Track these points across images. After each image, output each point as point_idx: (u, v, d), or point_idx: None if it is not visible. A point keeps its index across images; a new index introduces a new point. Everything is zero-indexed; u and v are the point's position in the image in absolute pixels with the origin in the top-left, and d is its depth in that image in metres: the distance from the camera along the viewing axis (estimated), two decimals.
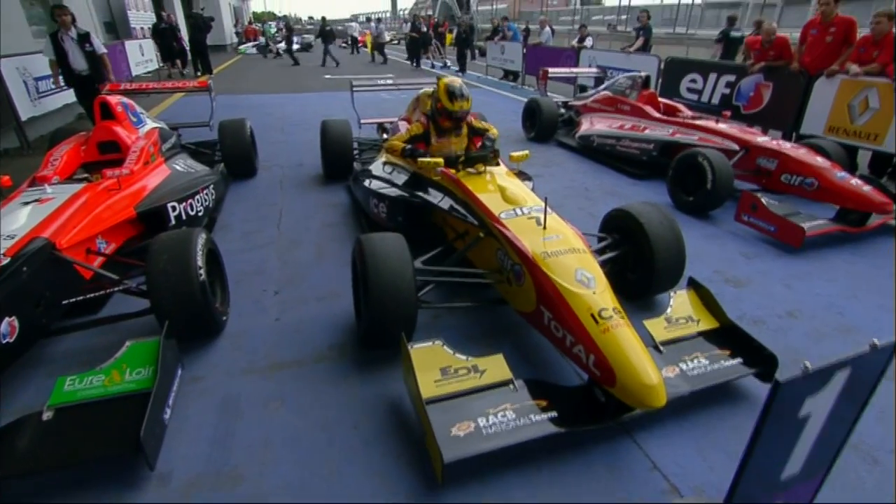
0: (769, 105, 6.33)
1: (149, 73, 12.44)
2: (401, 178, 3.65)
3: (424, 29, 17.53)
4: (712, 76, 7.06)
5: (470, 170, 3.08)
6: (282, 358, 2.47)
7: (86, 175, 3.14)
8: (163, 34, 12.99)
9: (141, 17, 13.99)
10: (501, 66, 13.56)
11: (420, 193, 3.27)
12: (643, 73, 5.95)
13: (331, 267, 3.34)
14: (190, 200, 3.45)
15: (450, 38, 22.18)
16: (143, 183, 3.26)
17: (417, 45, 17.29)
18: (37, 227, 2.45)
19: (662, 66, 7.94)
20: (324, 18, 20.46)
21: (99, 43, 6.27)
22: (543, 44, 11.57)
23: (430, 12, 37.62)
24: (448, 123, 3.37)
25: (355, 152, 5.03)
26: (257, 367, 2.40)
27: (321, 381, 2.31)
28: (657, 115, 5.55)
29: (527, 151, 3.28)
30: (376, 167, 4.06)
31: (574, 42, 10.46)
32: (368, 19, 25.86)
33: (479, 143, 3.57)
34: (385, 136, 5.41)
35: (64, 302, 2.38)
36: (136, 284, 2.45)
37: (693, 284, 2.57)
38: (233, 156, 4.85)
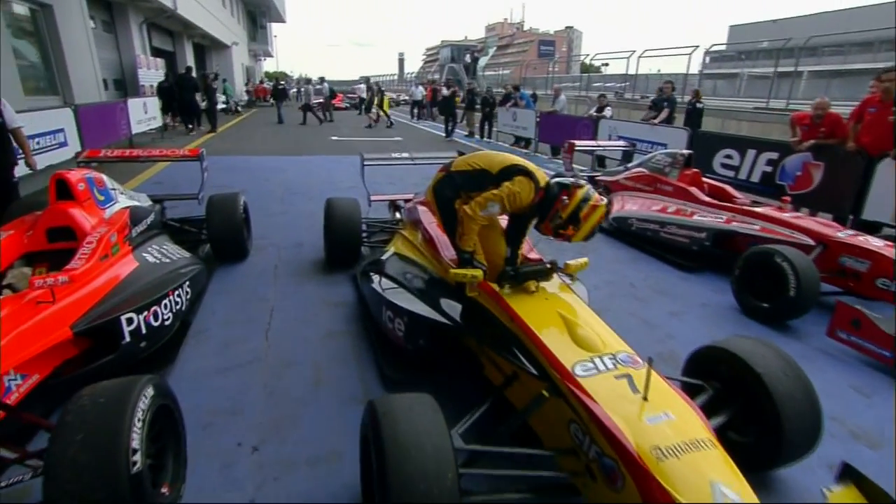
0: (820, 186, 5.74)
1: (152, 130, 12.12)
2: (418, 281, 2.93)
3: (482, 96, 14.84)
4: (751, 152, 6.53)
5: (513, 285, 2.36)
6: None
7: (10, 282, 2.41)
8: (167, 92, 12.89)
9: (151, 75, 13.90)
10: (513, 132, 13.31)
11: (448, 310, 2.53)
12: (685, 151, 5.39)
13: (332, 405, 2.54)
14: (155, 307, 2.70)
15: (457, 100, 22.53)
16: (91, 287, 2.53)
17: (451, 110, 15.20)
18: None
19: (692, 139, 7.47)
20: (277, 79, 20.60)
21: (11, 113, 4.27)
22: (558, 112, 11.28)
23: (436, 76, 38.81)
24: (549, 233, 2.47)
25: (363, 234, 4.35)
26: None
27: None
28: (705, 198, 4.93)
29: (585, 259, 2.57)
30: (390, 262, 3.36)
31: (592, 111, 10.13)
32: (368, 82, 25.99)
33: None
34: (398, 215, 4.76)
35: None
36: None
37: (852, 475, 1.77)
38: (221, 237, 4.16)
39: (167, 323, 2.77)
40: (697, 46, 17.05)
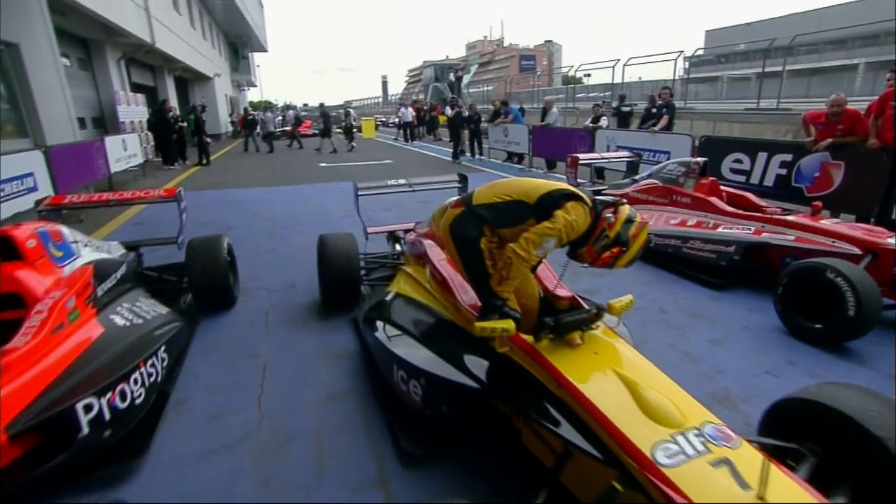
0: (842, 187, 5.42)
1: (134, 167, 11.70)
2: (432, 329, 2.52)
3: (467, 113, 14.07)
4: (762, 155, 6.23)
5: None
6: None
7: None
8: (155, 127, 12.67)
9: (132, 111, 13.52)
10: (505, 148, 13.03)
11: (474, 369, 2.11)
12: (699, 159, 5.05)
13: (341, 492, 2.09)
14: (123, 385, 2.25)
15: (443, 119, 22.39)
16: (38, 370, 2.08)
17: (458, 130, 13.92)
18: None
19: (697, 144, 7.17)
20: (245, 109, 20.40)
21: None
22: (551, 125, 11.01)
23: (420, 96, 38.85)
24: (589, 259, 2.11)
25: (362, 272, 3.93)
26: None
27: None
28: (728, 208, 4.57)
29: (630, 296, 2.18)
30: (396, 306, 2.94)
31: (588, 122, 9.86)
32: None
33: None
34: (398, 247, 4.36)
35: None
36: None
37: None
38: (204, 286, 3.72)
39: (138, 401, 2.32)
40: (682, 52, 17.03)
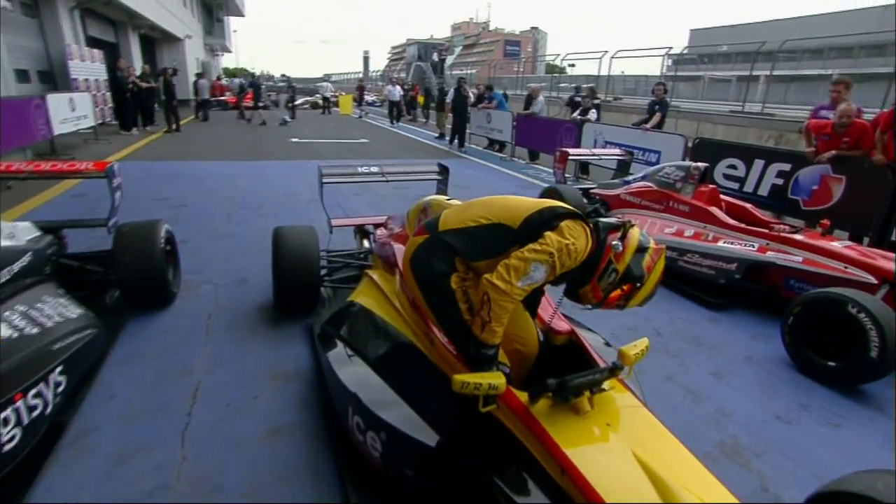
0: (841, 202, 5.14)
1: (85, 130, 10.70)
2: (397, 363, 2.06)
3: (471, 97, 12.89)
4: (758, 163, 5.91)
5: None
6: None
7: None
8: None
9: (85, 67, 12.40)
10: (487, 134, 12.51)
11: (450, 425, 1.66)
12: (700, 164, 4.68)
13: None
14: None
15: (421, 99, 21.64)
16: None
17: (464, 115, 12.60)
18: None
19: (691, 145, 6.83)
20: (198, 74, 18.27)
21: None
22: (537, 114, 10.54)
23: (402, 75, 37.72)
24: (594, 299, 1.66)
25: (323, 271, 3.42)
26: None
27: None
28: (730, 220, 4.22)
29: (646, 339, 1.76)
30: (357, 323, 2.47)
31: (576, 114, 9.42)
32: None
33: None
34: (367, 244, 3.85)
35: None
36: None
37: None
38: (134, 280, 3.15)
39: (8, 447, 1.79)
40: (671, 48, 16.78)
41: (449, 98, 14.11)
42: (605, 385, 1.67)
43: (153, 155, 9.70)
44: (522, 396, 1.55)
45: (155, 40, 21.49)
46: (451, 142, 13.32)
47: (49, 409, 2.04)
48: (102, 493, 1.91)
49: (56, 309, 2.54)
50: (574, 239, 1.54)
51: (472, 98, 12.79)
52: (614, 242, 1.58)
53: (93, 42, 14.17)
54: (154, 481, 1.98)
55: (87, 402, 2.39)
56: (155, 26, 18.26)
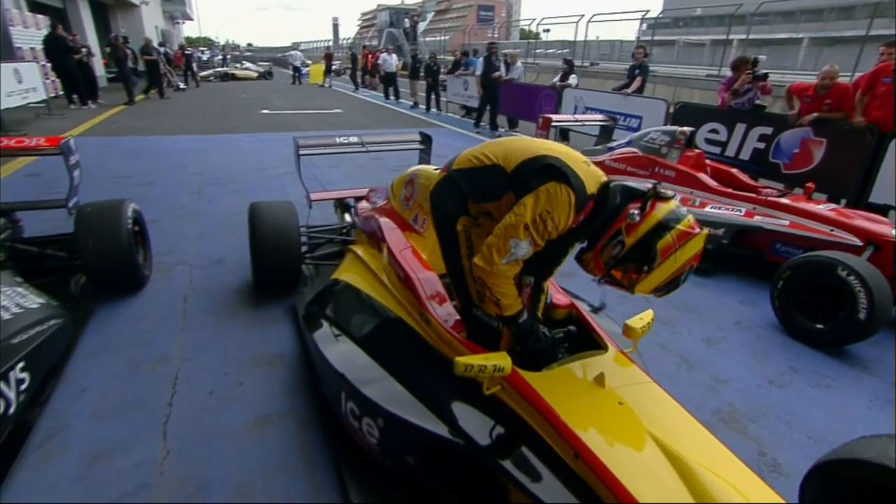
0: (821, 165, 5.18)
1: (37, 104, 10.00)
2: (391, 343, 1.96)
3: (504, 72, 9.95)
4: (740, 126, 5.89)
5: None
6: None
7: None
8: (55, 53, 10.66)
9: (31, 35, 11.54)
10: (465, 102, 12.24)
11: (461, 416, 1.57)
12: (686, 129, 4.61)
13: None
14: None
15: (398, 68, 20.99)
16: None
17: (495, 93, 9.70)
18: None
19: (672, 111, 6.77)
20: (182, 46, 17.07)
21: None
22: (516, 80, 10.29)
23: (374, 42, 36.49)
24: (597, 271, 1.52)
25: (304, 248, 3.26)
26: None
27: None
28: (715, 185, 4.19)
29: (651, 311, 1.69)
30: (343, 302, 2.35)
31: (556, 80, 9.21)
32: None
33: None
34: (348, 218, 3.70)
35: None
36: None
37: None
38: (101, 264, 2.94)
39: None
40: (648, 11, 16.54)
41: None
42: (611, 360, 1.61)
43: (114, 130, 9.16)
44: (529, 377, 1.46)
45: (107, 6, 20.17)
46: (427, 109, 12.98)
47: (13, 409, 1.87)
48: (78, 496, 1.77)
49: (13, 299, 2.34)
50: (550, 207, 1.39)
51: (500, 71, 10.10)
52: (633, 211, 1.39)
53: (36, 7, 13.20)
54: (135, 480, 1.86)
55: (55, 398, 2.22)
56: None
